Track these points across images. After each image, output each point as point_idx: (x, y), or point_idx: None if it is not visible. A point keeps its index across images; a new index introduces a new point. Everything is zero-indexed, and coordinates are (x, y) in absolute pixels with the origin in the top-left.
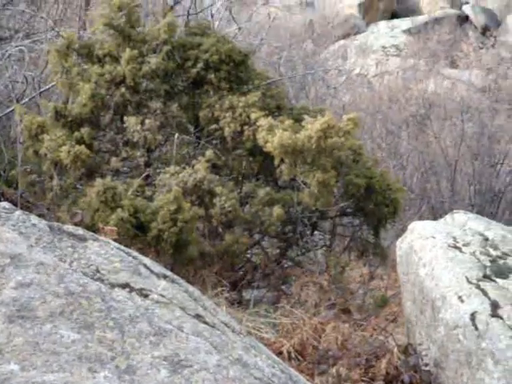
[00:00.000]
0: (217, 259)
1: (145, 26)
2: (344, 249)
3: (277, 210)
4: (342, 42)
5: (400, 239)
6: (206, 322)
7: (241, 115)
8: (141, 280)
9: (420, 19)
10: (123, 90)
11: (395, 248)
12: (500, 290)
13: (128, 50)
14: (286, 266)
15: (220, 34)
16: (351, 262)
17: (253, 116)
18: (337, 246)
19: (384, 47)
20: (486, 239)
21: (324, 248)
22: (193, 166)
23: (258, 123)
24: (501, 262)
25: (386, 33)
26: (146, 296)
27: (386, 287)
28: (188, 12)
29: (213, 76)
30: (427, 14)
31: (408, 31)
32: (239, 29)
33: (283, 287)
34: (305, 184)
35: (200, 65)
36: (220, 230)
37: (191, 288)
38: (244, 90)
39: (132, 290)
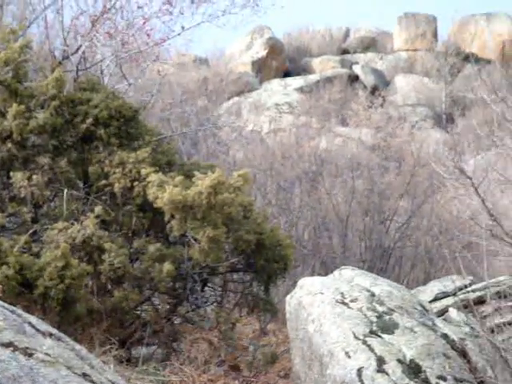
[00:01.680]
0: (105, 316)
1: (32, 81)
2: (235, 305)
3: (167, 266)
4: (235, 98)
5: (289, 295)
6: (92, 381)
7: (131, 171)
8: (25, 339)
9: (312, 78)
10: (10, 145)
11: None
12: (386, 345)
13: (15, 105)
14: (176, 322)
15: (110, 90)
16: (242, 317)
17: (143, 172)
18: (228, 302)
19: (277, 104)
20: (373, 295)
21: (215, 304)
22: (81, 222)
23: (148, 179)
24: (387, 317)
25: (279, 90)
26: (30, 355)
27: (277, 343)
28: (77, 67)
29: (102, 131)
30: (319, 73)
31: (300, 89)
32: (130, 85)
33: (173, 344)
34: (195, 240)
35: (89, 120)
36: (109, 286)
37: (78, 346)
38: (134, 146)
39: (16, 349)
